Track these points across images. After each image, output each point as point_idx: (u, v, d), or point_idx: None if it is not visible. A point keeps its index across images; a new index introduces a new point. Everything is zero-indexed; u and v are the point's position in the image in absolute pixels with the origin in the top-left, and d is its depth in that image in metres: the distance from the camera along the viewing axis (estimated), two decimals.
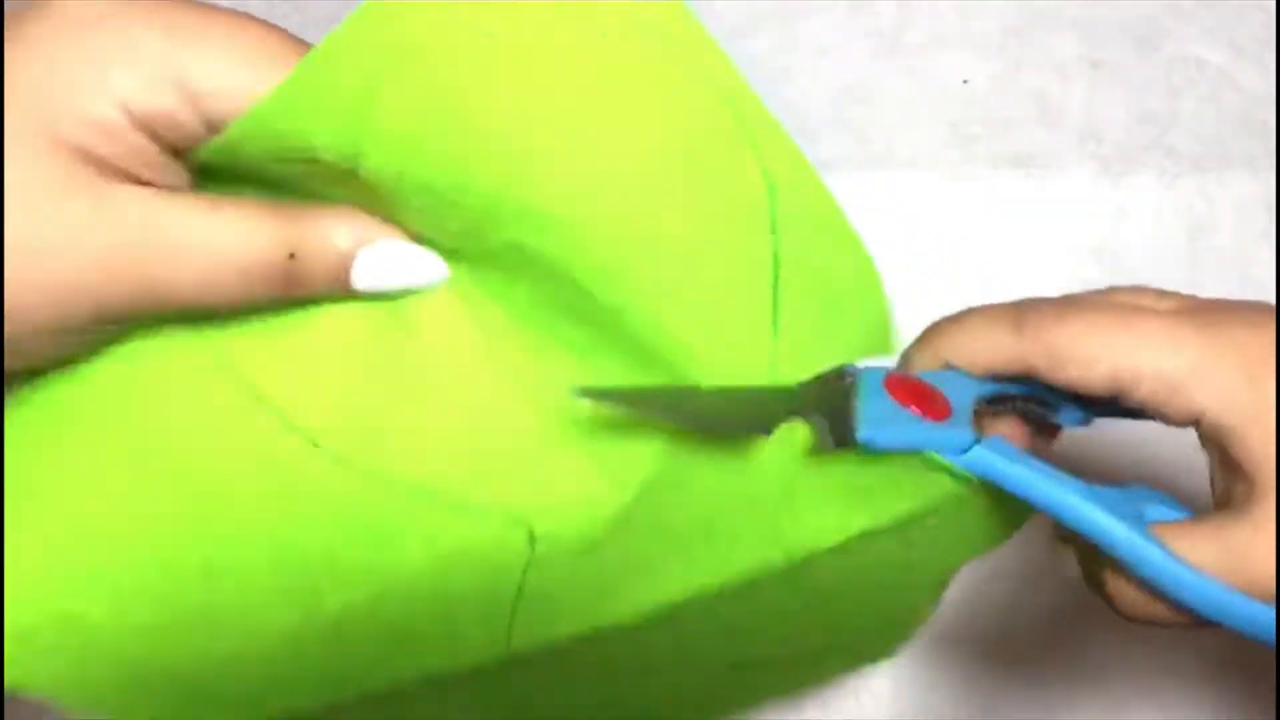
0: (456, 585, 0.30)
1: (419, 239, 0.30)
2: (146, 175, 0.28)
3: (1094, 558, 0.30)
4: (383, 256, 0.29)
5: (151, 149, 0.28)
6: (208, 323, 0.30)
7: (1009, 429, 0.33)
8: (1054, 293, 0.47)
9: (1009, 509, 0.32)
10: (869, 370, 0.31)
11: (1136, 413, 0.31)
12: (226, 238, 0.27)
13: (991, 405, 0.32)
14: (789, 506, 0.31)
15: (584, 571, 0.30)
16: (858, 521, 0.32)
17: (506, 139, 0.28)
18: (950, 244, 0.48)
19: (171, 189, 0.28)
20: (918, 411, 0.31)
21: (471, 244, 0.29)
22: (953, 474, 0.31)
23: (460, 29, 0.27)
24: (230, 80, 0.27)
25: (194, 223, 0.27)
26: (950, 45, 0.49)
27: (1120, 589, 0.30)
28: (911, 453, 0.30)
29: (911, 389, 0.31)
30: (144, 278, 0.27)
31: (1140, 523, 0.29)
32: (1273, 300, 0.46)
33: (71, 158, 0.26)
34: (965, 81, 0.49)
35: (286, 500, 0.29)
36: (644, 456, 0.30)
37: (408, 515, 0.29)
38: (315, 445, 0.29)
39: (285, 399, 0.29)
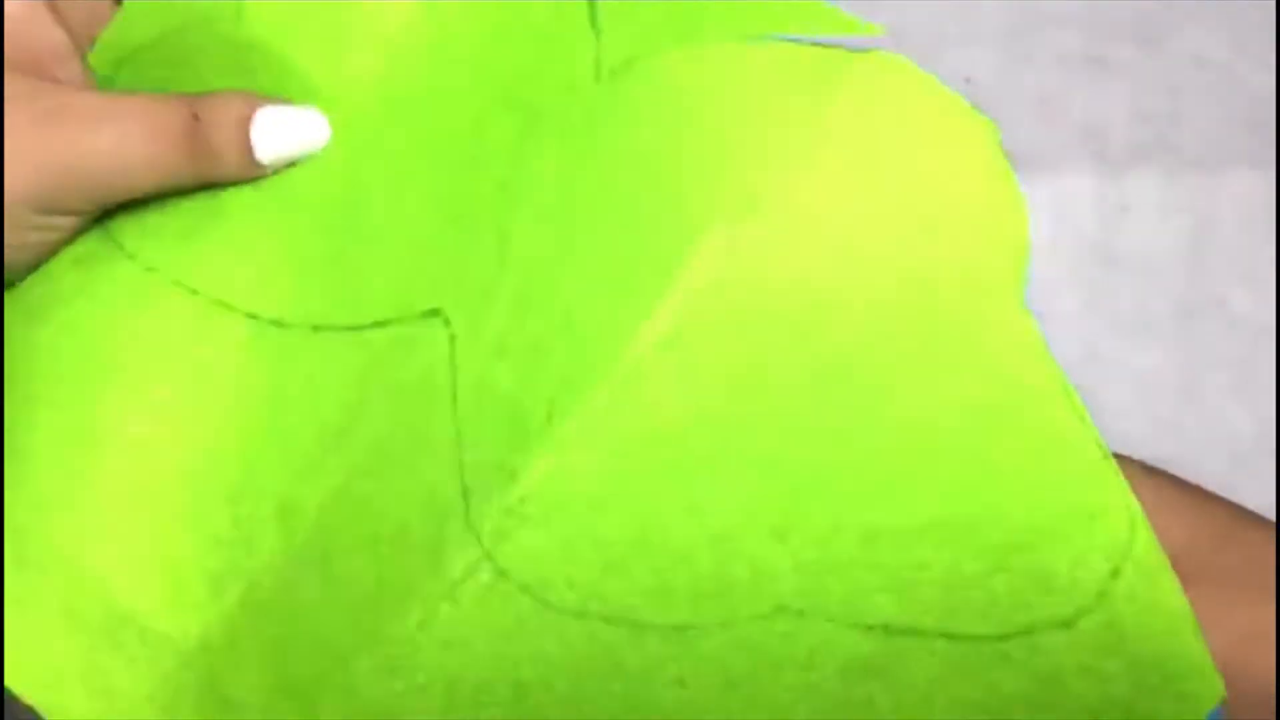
0: (389, 410, 0.30)
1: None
2: (62, 74, 0.30)
3: None
4: (278, 118, 0.31)
5: (60, 38, 0.30)
6: (128, 236, 0.31)
7: None
8: (1053, 293, 0.47)
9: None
10: None
11: None
12: (134, 105, 0.30)
13: None
14: None
15: (506, 375, 0.30)
16: None
17: None
18: None
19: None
20: None
21: (340, 90, 0.31)
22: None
23: None
24: None
25: (103, 101, 0.30)
26: (952, 43, 0.49)
27: None
28: None
29: None
30: (69, 150, 0.29)
31: None
32: (1273, 299, 0.46)
33: None
34: (967, 80, 0.49)
35: (243, 381, 0.30)
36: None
37: (342, 355, 0.30)
38: (251, 317, 0.31)
39: (210, 279, 0.31)
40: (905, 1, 0.49)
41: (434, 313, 0.30)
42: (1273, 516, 0.30)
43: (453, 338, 0.30)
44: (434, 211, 0.31)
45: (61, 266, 0.32)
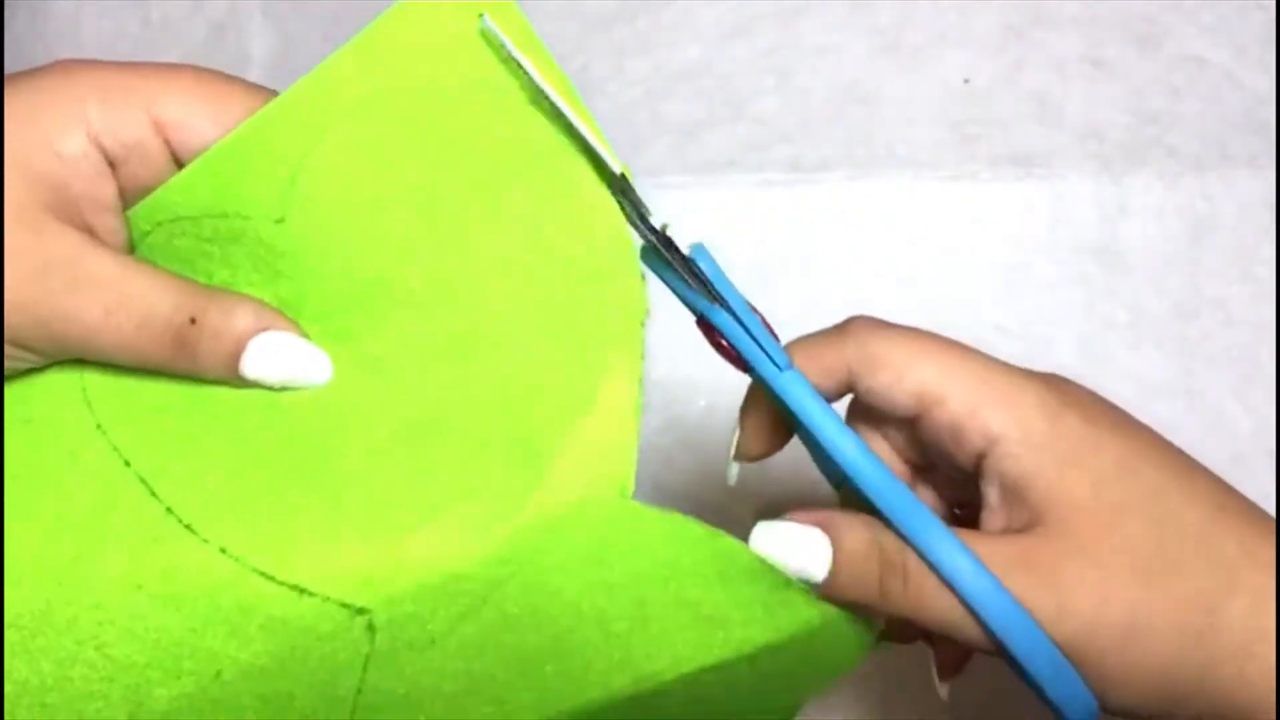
0: (294, 678, 0.29)
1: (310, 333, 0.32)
2: (97, 223, 0.30)
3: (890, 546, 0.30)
4: (277, 346, 0.31)
5: (109, 192, 0.30)
6: (96, 384, 0.31)
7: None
8: (1053, 293, 0.47)
9: (860, 635, 0.32)
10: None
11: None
12: (137, 286, 0.29)
13: None
14: (642, 630, 0.30)
15: (426, 675, 0.30)
16: (712, 651, 0.31)
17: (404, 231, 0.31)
18: (950, 243, 0.48)
19: (106, 242, 0.30)
20: (758, 317, 0.31)
21: (356, 323, 0.31)
22: (808, 603, 0.30)
23: (381, 117, 0.30)
24: (195, 114, 0.30)
25: (113, 267, 0.29)
26: (951, 44, 0.49)
27: (921, 578, 0.29)
28: (731, 327, 0.30)
29: (760, 315, 0.31)
30: (55, 307, 0.29)
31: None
32: (1273, 299, 0.46)
33: (33, 193, 0.29)
34: (966, 81, 0.49)
35: (137, 574, 0.29)
36: (493, 557, 0.29)
37: (252, 600, 0.29)
38: (169, 512, 0.30)
39: (150, 466, 0.30)
40: (905, 1, 0.49)
41: (362, 611, 0.29)
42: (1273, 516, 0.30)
43: (370, 654, 0.29)
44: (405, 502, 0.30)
45: (31, 396, 0.31)
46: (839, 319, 0.46)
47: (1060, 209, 0.48)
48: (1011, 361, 0.31)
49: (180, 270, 0.31)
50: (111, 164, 0.30)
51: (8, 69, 0.30)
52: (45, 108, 0.29)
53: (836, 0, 0.50)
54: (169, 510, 0.29)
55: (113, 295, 0.29)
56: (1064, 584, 0.28)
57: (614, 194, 0.30)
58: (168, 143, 0.30)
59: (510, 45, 0.29)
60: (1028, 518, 0.29)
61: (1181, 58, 0.48)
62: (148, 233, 0.31)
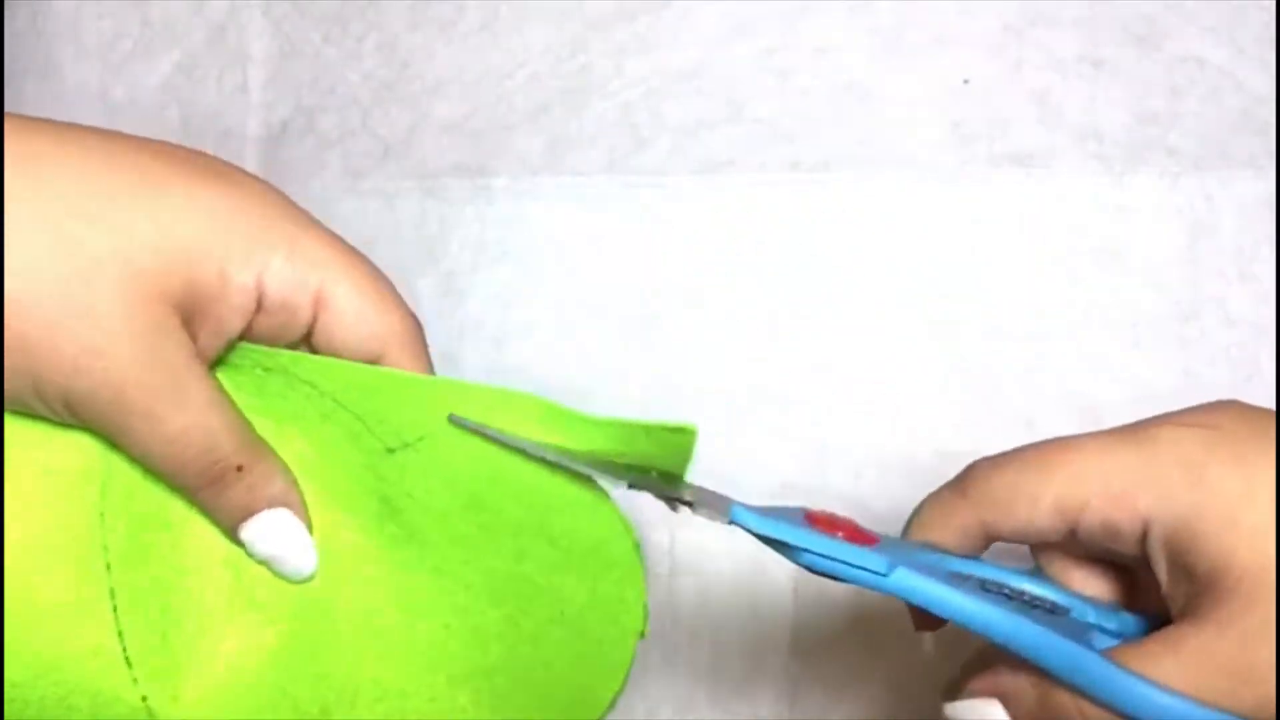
0: None
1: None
2: (205, 344, 0.31)
3: (1048, 693, 0.29)
4: (283, 525, 0.32)
5: (238, 327, 0.31)
6: (118, 475, 0.32)
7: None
8: (1053, 293, 0.47)
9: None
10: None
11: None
12: (216, 420, 0.31)
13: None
14: None
15: None
16: None
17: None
18: (950, 244, 0.48)
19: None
20: (836, 533, 0.30)
21: (396, 559, 0.33)
22: None
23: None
24: (355, 311, 0.31)
25: (206, 395, 0.30)
26: (950, 44, 0.49)
27: (1090, 714, 0.28)
28: (822, 561, 0.29)
29: (834, 521, 0.30)
30: (142, 402, 0.29)
31: (1088, 643, 0.28)
32: (1273, 299, 0.46)
33: (179, 291, 0.29)
34: (965, 81, 0.49)
35: (61, 674, 0.30)
36: None
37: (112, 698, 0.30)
38: (120, 636, 0.31)
39: (126, 581, 0.31)
40: (905, 1, 0.49)
41: None
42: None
43: None
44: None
45: (64, 447, 0.31)
46: (839, 319, 0.46)
47: (1060, 209, 0.48)
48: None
49: (263, 405, 0.32)
50: (258, 308, 0.31)
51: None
52: (237, 232, 0.30)
53: (836, 0, 0.50)
54: (120, 634, 0.31)
55: (193, 418, 0.30)
56: (1259, 673, 0.26)
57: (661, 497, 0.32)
58: (315, 318, 0.31)
59: (486, 430, 0.32)
60: (1202, 594, 0.27)
61: (1181, 58, 0.48)
62: (269, 370, 0.32)
